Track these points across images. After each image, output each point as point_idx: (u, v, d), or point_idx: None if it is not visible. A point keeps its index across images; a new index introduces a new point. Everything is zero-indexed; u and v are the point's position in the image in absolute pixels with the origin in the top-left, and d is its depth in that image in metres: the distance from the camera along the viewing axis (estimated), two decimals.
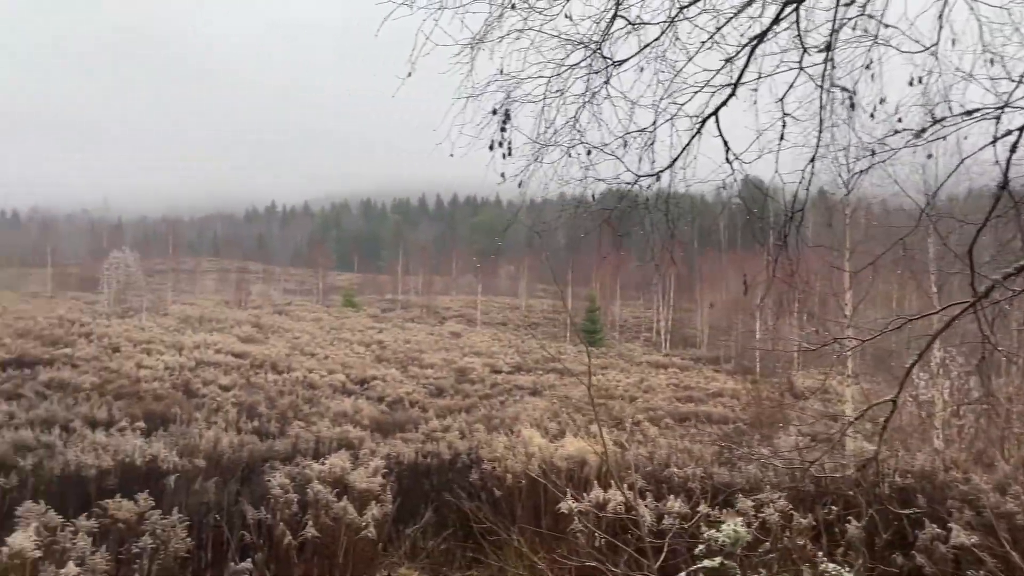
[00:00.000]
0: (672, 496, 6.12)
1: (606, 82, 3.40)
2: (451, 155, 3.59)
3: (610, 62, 3.39)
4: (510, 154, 3.92)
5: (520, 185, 4.05)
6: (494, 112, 3.83)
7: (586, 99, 3.52)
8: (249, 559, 4.69)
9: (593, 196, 3.87)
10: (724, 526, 4.15)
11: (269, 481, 6.32)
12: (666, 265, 4.38)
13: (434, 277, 79.52)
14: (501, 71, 3.73)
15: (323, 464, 6.81)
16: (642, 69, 3.41)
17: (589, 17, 3.57)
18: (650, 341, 54.10)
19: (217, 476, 7.36)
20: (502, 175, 3.93)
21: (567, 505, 5.87)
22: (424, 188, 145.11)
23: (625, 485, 5.90)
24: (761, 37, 3.50)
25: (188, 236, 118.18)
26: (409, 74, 3.66)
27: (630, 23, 3.52)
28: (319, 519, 5.77)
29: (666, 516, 5.69)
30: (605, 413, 16.16)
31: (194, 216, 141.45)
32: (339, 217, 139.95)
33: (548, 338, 45.95)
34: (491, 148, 3.90)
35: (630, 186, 3.84)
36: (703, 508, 5.52)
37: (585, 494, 6.18)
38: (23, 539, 3.58)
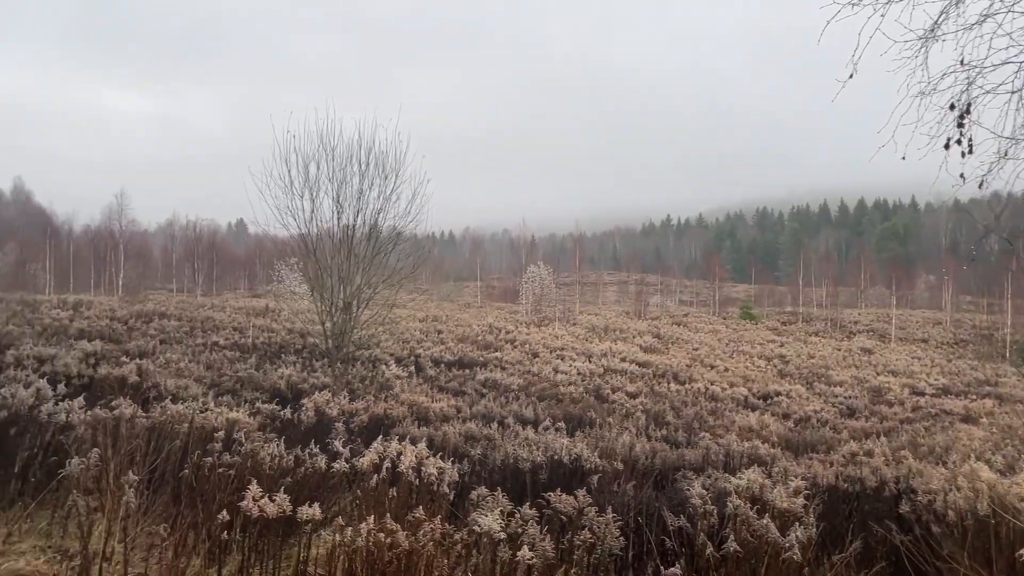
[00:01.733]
0: None
1: None
2: (903, 157, 3.30)
3: None
4: (971, 152, 3.48)
5: (981, 186, 3.58)
6: (952, 107, 3.43)
7: None
8: (677, 565, 4.79)
9: None
10: None
11: (688, 490, 6.40)
12: None
13: (839, 288, 74.20)
14: (961, 62, 3.34)
15: (740, 478, 6.73)
16: None
17: None
18: None
19: (634, 480, 7.70)
20: (961, 176, 3.51)
21: None
22: (825, 194, 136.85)
23: None
24: None
25: (591, 251, 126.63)
26: (851, 76, 3.46)
27: None
28: (740, 534, 5.67)
29: None
30: None
31: (596, 232, 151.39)
32: (733, 227, 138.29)
33: (981, 358, 39.90)
34: (946, 147, 3.50)
35: None
36: None
37: None
38: (491, 521, 4.09)
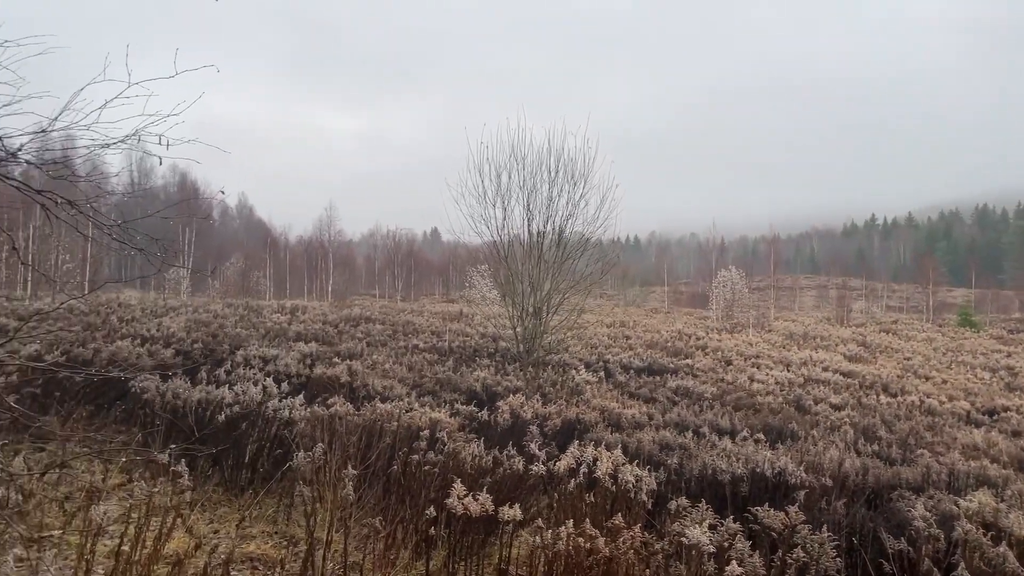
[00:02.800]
0: None
1: None
2: None
3: None
4: None
5: None
6: None
7: None
8: None
9: None
10: None
11: (908, 511, 5.90)
12: None
13: None
14: None
15: (969, 501, 6.11)
16: None
17: None
18: None
19: (844, 498, 7.19)
20: None
21: None
22: None
23: None
24: None
25: (786, 253, 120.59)
26: None
27: None
28: (972, 562, 5.13)
29: None
30: None
31: (791, 233, 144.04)
32: (948, 227, 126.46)
33: None
34: None
35: None
36: None
37: None
38: (700, 533, 3.96)
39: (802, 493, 6.95)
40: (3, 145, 2.76)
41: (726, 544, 4.42)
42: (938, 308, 66.67)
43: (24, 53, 2.77)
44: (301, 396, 8.84)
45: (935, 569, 5.19)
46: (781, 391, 17.43)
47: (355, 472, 5.01)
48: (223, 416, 8.07)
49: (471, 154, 34.60)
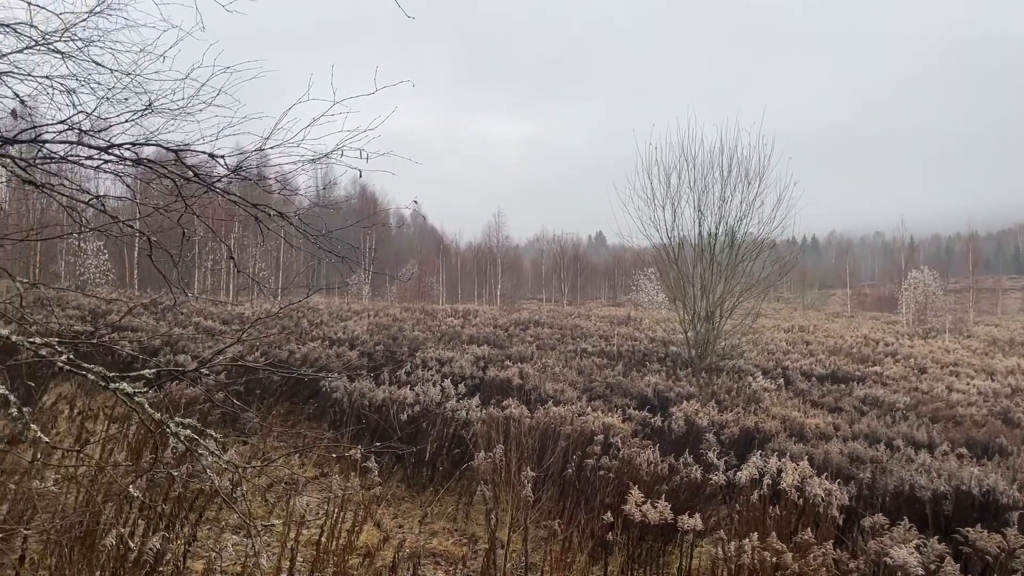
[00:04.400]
0: None
1: None
2: None
3: None
4: None
5: None
6: None
7: None
8: None
9: None
10: None
11: None
12: None
13: None
14: None
15: None
16: None
17: None
18: None
19: None
20: None
21: None
22: None
23: None
24: None
25: (985, 252, 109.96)
26: None
27: None
28: None
29: None
30: None
31: (991, 230, 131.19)
32: None
33: None
34: None
35: None
36: None
37: None
38: (906, 555, 3.67)
39: (1016, 514, 6.29)
40: (225, 163, 3.03)
41: (933, 567, 4.07)
42: None
43: (240, 78, 3.03)
44: (476, 398, 9.08)
45: None
46: (985, 402, 15.88)
47: (534, 474, 5.06)
48: (405, 415, 8.45)
49: (639, 156, 34.29)
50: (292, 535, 4.49)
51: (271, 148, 3.07)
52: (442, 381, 10.03)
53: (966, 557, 4.59)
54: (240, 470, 4.16)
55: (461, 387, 10.04)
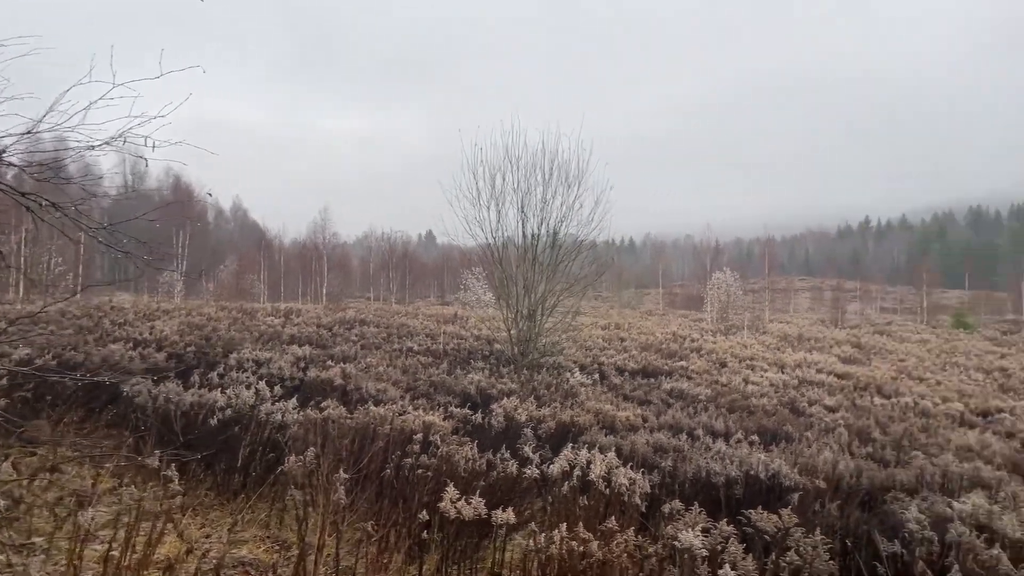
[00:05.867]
0: None
1: None
2: None
3: None
4: None
5: None
6: None
7: None
8: None
9: None
10: None
11: (902, 513, 5.89)
12: None
13: None
14: None
15: (963, 503, 6.11)
16: None
17: None
18: None
19: (838, 500, 7.19)
20: None
21: None
22: None
23: None
24: None
25: (781, 255, 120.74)
26: None
27: None
28: (965, 564, 5.12)
29: None
30: None
31: (785, 235, 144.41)
32: (942, 228, 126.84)
33: None
34: None
35: None
36: None
37: None
38: (692, 537, 3.94)
39: (796, 496, 6.95)
40: None
41: (719, 547, 4.40)
42: (932, 310, 66.89)
43: (9, 53, 2.73)
44: (294, 399, 8.80)
45: (928, 572, 5.18)
46: (776, 393, 17.43)
47: (347, 476, 4.98)
48: (215, 420, 8.03)
49: (465, 157, 34.48)
50: (77, 551, 4.14)
51: (44, 132, 2.80)
52: (258, 383, 9.64)
53: (749, 537, 5.01)
54: (18, 485, 3.79)
55: (278, 389, 9.70)
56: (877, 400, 18.45)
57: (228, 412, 8.16)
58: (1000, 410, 19.41)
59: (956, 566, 5.16)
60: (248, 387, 9.20)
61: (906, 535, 5.68)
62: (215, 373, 11.05)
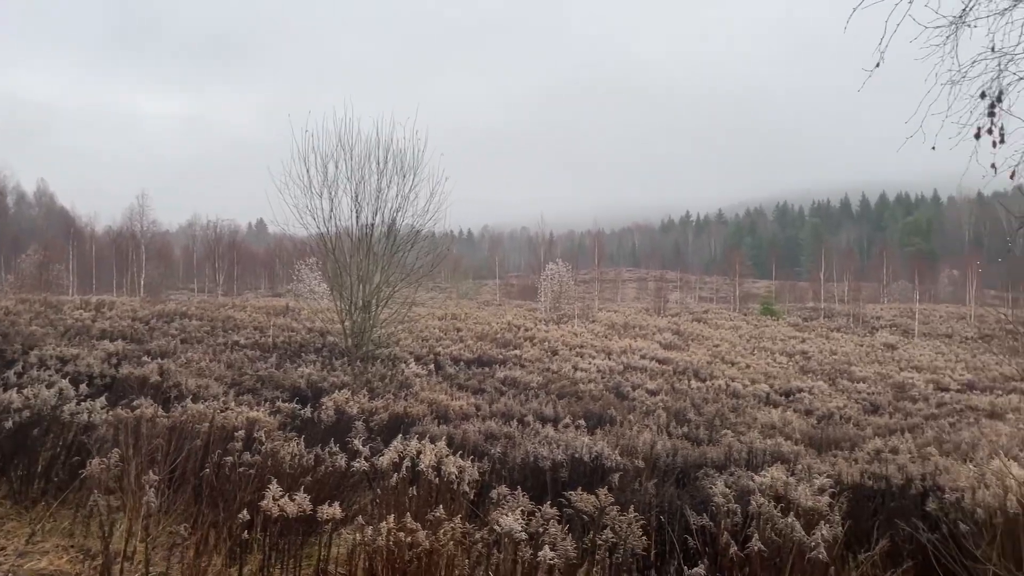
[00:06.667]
0: None
1: None
2: (932, 148, 3.23)
3: None
4: (1002, 141, 3.40)
5: (1012, 176, 3.49)
6: (982, 96, 3.35)
7: None
8: (700, 564, 4.72)
9: None
10: None
11: (710, 488, 6.33)
12: None
13: (860, 283, 73.54)
14: (992, 48, 3.25)
15: (763, 476, 6.65)
16: None
17: None
18: None
19: (655, 478, 7.64)
20: (992, 166, 3.42)
21: None
22: (846, 189, 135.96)
23: None
24: None
25: (610, 247, 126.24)
26: (877, 65, 3.38)
27: None
28: (764, 533, 5.58)
29: None
30: None
31: (615, 228, 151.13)
32: (754, 223, 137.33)
33: (1007, 353, 39.31)
34: (977, 136, 3.42)
35: None
36: None
37: None
38: (512, 521, 4.04)
39: (617, 476, 7.30)
40: None
41: (541, 529, 4.54)
42: (744, 298, 72.29)
43: None
44: (103, 398, 8.19)
45: (732, 541, 5.60)
46: (602, 379, 18.24)
47: (157, 477, 4.70)
48: (11, 422, 7.32)
49: (295, 143, 33.40)
50: None
51: None
52: (61, 381, 8.87)
53: (571, 518, 5.21)
54: None
55: (85, 387, 8.97)
56: (694, 383, 19.75)
57: (26, 413, 7.46)
58: (800, 390, 21.37)
59: (755, 535, 5.62)
60: (50, 386, 8.46)
61: (713, 508, 6.12)
62: (12, 372, 10.07)
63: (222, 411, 8.13)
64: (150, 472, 4.80)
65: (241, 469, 6.06)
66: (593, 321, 41.24)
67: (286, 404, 9.89)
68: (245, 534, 5.24)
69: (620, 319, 42.94)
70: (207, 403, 8.62)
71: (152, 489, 4.54)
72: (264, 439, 7.04)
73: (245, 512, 5.16)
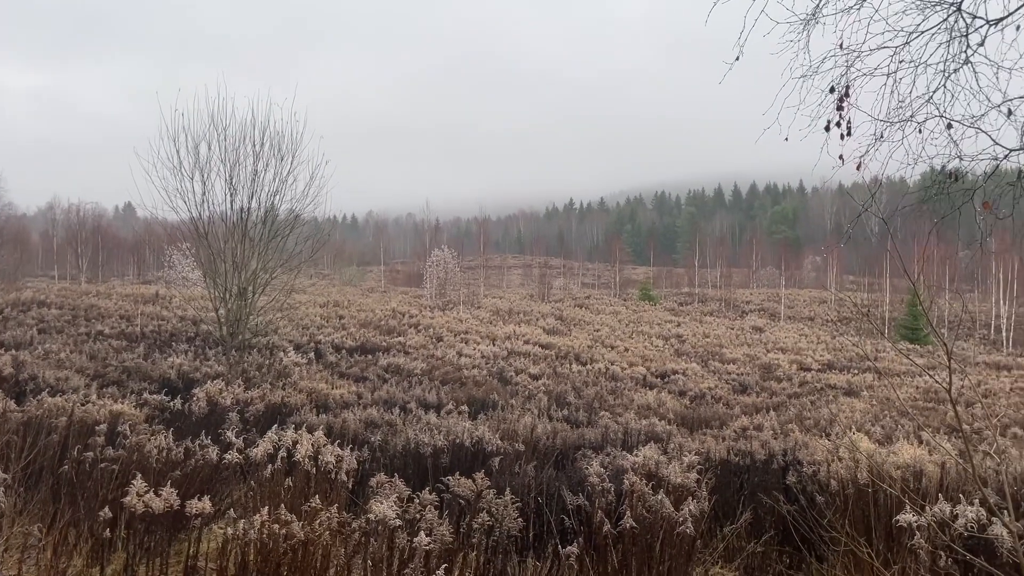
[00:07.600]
0: None
1: (981, 44, 2.99)
2: (786, 139, 3.42)
3: (983, 21, 2.97)
4: (849, 134, 3.64)
5: (859, 168, 3.75)
6: (831, 90, 3.58)
7: (951, 67, 3.13)
8: (575, 543, 4.86)
9: (954, 173, 3.45)
10: None
11: (586, 469, 6.51)
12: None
13: (732, 270, 77.20)
14: (840, 46, 3.47)
15: (636, 455, 6.90)
16: (1020, 27, 2.93)
17: None
18: (987, 339, 47.43)
19: (535, 460, 7.78)
20: (840, 157, 3.66)
21: (905, 518, 5.32)
22: (720, 179, 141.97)
23: (976, 500, 5.21)
24: None
25: (495, 234, 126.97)
26: (737, 58, 3.54)
27: None
28: (636, 510, 5.80)
29: None
30: (937, 419, 14.48)
31: (500, 215, 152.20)
32: (634, 211, 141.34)
33: (862, 334, 42.27)
34: (827, 129, 3.65)
35: (998, 163, 3.37)
36: None
37: (928, 507, 5.54)
38: (386, 509, 4.03)
39: (497, 460, 7.39)
40: None
41: (418, 515, 4.56)
42: (624, 284, 74.45)
43: None
44: None
45: (606, 519, 5.79)
46: (486, 364, 18.37)
47: (8, 476, 4.41)
48: None
49: (164, 122, 31.77)
50: None
51: None
52: None
53: (449, 503, 5.25)
54: None
55: None
56: (575, 367, 20.20)
57: None
58: (675, 372, 22.23)
59: (628, 512, 5.84)
60: None
61: (589, 488, 6.30)
62: None
63: (83, 404, 7.69)
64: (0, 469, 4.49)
65: (103, 465, 5.77)
66: (478, 307, 41.44)
67: (154, 396, 9.44)
68: (107, 532, 5.00)
69: (505, 305, 43.34)
70: (66, 396, 8.13)
71: (1, 488, 4.26)
72: (129, 433, 6.72)
73: (107, 510, 4.93)
